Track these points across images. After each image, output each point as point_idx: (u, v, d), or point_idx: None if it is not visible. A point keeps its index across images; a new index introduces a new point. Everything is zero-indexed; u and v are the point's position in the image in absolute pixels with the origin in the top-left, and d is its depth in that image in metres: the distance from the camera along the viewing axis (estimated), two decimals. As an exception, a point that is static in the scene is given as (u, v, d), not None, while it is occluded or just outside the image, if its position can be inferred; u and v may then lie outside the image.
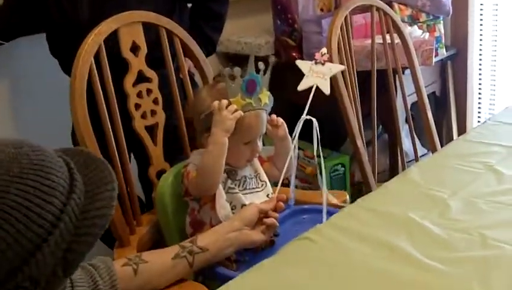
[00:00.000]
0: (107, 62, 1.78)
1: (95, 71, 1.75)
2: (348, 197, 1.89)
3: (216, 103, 1.64)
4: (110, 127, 1.78)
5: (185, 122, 1.97)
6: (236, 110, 1.63)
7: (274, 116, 1.79)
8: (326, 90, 1.75)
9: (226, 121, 1.62)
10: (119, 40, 1.83)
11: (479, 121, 3.13)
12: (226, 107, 1.62)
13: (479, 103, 3.13)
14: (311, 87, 1.77)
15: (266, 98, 1.70)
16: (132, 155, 2.23)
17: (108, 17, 1.85)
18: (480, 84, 3.14)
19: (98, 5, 2.11)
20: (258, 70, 1.66)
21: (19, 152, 0.95)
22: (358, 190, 2.91)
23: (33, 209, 0.91)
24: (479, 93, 3.14)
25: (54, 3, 2.17)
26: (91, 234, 0.98)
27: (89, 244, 0.98)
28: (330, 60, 2.14)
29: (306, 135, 3.25)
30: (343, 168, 3.01)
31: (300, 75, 1.81)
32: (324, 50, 1.81)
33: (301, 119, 1.73)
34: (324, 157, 3.04)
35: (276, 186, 1.73)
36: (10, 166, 0.93)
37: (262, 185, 1.78)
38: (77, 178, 1.00)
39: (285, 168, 1.73)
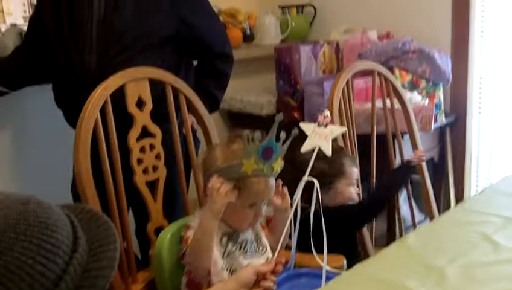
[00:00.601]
0: (112, 117, 1.81)
1: (100, 125, 1.77)
2: (345, 261, 1.88)
3: (212, 182, 1.64)
4: (111, 181, 1.80)
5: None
6: (228, 191, 1.62)
7: (280, 182, 1.77)
8: (328, 152, 1.77)
9: (215, 204, 1.62)
10: (126, 95, 1.86)
11: (476, 189, 3.14)
12: (219, 189, 1.62)
13: (477, 171, 3.15)
14: (313, 149, 1.78)
15: (278, 166, 1.70)
16: (130, 210, 2.22)
17: (115, 70, 1.89)
18: (478, 151, 3.16)
19: (106, 58, 2.14)
20: (277, 139, 1.67)
21: (25, 209, 0.96)
22: (358, 255, 2.90)
23: (36, 268, 0.91)
24: (477, 161, 3.17)
25: (63, 54, 2.20)
26: None
27: None
28: (332, 122, 2.17)
29: (306, 195, 3.24)
30: (340, 231, 3.00)
31: (301, 134, 1.82)
32: (327, 112, 1.83)
33: (302, 180, 1.73)
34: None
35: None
36: (16, 223, 0.93)
37: (263, 249, 1.78)
38: (80, 236, 1.00)
39: (282, 236, 1.71)
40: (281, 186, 1.77)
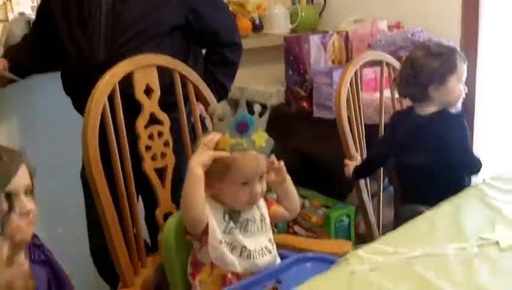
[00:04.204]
0: (120, 103, 1.82)
1: (108, 111, 1.78)
2: (351, 247, 1.89)
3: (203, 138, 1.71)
4: (120, 167, 1.81)
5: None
6: (217, 147, 1.67)
7: (273, 158, 1.80)
8: None
9: (202, 155, 1.66)
10: (133, 82, 1.88)
11: (483, 179, 3.14)
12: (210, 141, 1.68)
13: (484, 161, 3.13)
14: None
15: (262, 140, 1.71)
16: (140, 198, 2.24)
17: (123, 58, 1.90)
18: (486, 143, 3.15)
19: (115, 46, 2.16)
20: (252, 112, 1.70)
21: None
22: (363, 241, 2.91)
23: None
24: (484, 152, 3.15)
25: (71, 43, 2.22)
26: None
27: None
28: (338, 112, 2.19)
29: (313, 184, 3.27)
30: (348, 219, 3.02)
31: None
32: None
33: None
34: (330, 208, 3.07)
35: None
36: None
37: (265, 229, 1.80)
38: None
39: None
40: (275, 161, 1.80)
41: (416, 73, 2.14)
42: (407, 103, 2.52)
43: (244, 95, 3.13)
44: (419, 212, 1.87)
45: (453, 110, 2.21)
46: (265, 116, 1.72)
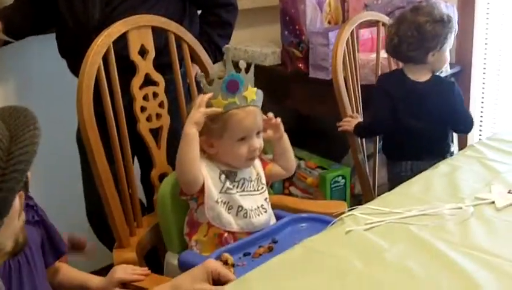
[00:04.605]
0: (115, 64, 1.81)
1: (103, 72, 1.77)
2: (346, 208, 1.91)
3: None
4: (115, 127, 1.81)
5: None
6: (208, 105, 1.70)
7: (271, 114, 1.82)
8: None
9: (195, 113, 1.69)
10: (128, 43, 1.86)
11: (480, 139, 3.15)
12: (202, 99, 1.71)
13: (481, 122, 3.15)
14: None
15: (253, 94, 1.74)
16: (136, 159, 2.24)
17: (118, 20, 1.88)
18: (482, 102, 3.15)
19: (109, 8, 2.13)
20: (239, 70, 1.71)
21: None
22: (358, 202, 2.92)
23: None
24: (481, 112, 3.16)
25: (65, 4, 2.19)
26: (18, 171, 1.07)
27: (17, 181, 1.07)
28: (334, 73, 2.17)
29: (309, 145, 3.27)
30: (343, 180, 3.02)
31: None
32: None
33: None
34: (325, 169, 3.07)
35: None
36: None
37: (261, 188, 1.82)
38: None
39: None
40: (273, 118, 1.82)
41: (422, 37, 2.20)
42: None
43: (230, 54, 3.10)
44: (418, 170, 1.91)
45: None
46: (251, 71, 1.74)
